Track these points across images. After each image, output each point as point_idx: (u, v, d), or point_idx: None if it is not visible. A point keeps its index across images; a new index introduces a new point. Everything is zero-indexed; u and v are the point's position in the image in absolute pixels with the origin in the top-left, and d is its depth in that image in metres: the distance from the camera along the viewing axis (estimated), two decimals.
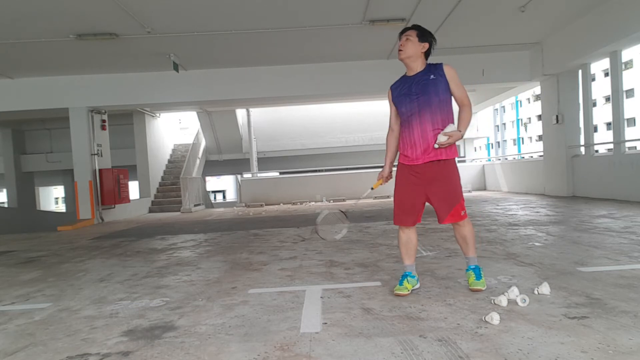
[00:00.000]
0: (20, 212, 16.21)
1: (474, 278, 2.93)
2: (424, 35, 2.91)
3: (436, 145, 2.78)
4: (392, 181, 3.12)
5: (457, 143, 2.87)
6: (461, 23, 8.31)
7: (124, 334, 2.51)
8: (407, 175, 2.93)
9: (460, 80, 2.89)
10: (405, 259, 3.03)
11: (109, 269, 4.54)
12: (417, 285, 3.05)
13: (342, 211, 3.36)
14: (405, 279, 2.96)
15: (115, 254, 5.54)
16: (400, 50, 2.92)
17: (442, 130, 2.78)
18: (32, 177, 18.59)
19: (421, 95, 2.83)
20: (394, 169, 3.10)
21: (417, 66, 2.91)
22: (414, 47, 2.88)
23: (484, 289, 2.90)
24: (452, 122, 2.84)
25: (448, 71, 2.85)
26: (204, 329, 2.52)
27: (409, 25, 3.04)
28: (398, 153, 3.05)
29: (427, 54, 2.94)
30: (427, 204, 2.96)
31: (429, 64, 2.94)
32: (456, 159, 2.95)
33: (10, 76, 10.29)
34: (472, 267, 2.98)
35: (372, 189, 3.19)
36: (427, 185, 2.88)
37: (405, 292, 2.92)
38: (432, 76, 2.84)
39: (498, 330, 2.24)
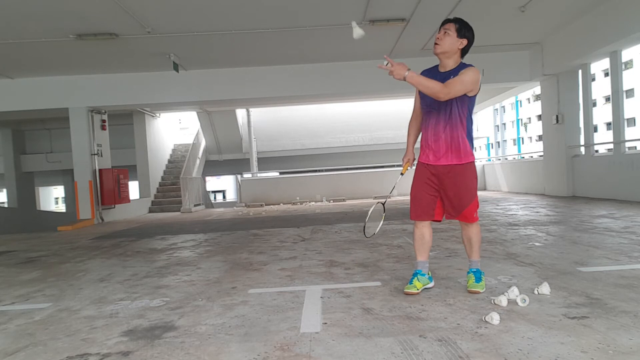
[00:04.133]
0: (20, 212, 16.21)
1: (474, 280, 2.91)
2: (464, 29, 2.73)
3: (385, 63, 2.60)
4: (410, 177, 3.04)
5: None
6: None
7: (124, 334, 2.51)
8: (423, 172, 2.91)
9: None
10: (417, 254, 2.98)
11: (109, 269, 4.54)
12: (431, 284, 3.00)
13: (382, 203, 3.13)
14: (416, 277, 2.92)
15: (115, 254, 5.54)
16: (436, 44, 2.75)
17: (450, 135, 2.76)
18: (32, 177, 18.58)
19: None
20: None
21: (450, 63, 2.77)
22: (451, 42, 2.71)
23: (482, 291, 2.87)
24: (469, 127, 2.79)
25: (464, 71, 2.68)
26: (204, 329, 2.52)
27: (455, 17, 2.85)
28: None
29: (464, 51, 2.78)
30: None
31: (462, 62, 2.79)
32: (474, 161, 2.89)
33: (10, 76, 10.28)
34: (473, 270, 2.95)
35: (401, 174, 3.07)
36: (440, 184, 2.85)
37: (415, 291, 2.87)
38: (452, 77, 2.70)
39: (498, 330, 2.24)
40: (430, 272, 3.04)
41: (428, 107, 2.84)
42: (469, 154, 2.82)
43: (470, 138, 2.84)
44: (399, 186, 3.51)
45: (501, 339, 2.13)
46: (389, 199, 3.16)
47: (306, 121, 18.47)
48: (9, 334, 2.64)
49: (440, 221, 3.00)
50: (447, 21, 2.79)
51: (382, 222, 3.10)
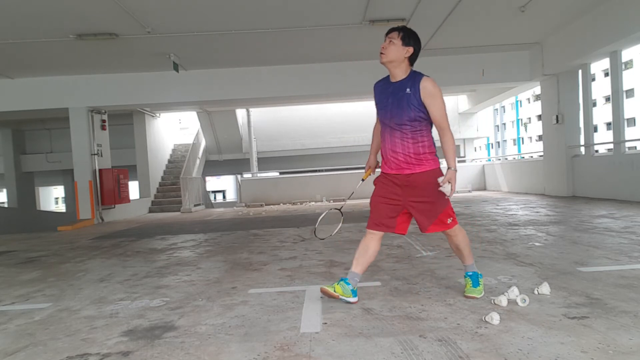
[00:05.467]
0: (20, 212, 16.21)
1: (471, 285, 2.84)
2: (409, 38, 2.67)
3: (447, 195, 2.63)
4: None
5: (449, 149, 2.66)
6: (461, 23, 8.31)
7: (124, 334, 2.51)
8: (384, 181, 2.83)
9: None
10: (353, 264, 2.81)
11: (109, 269, 4.54)
12: (353, 300, 2.77)
13: (338, 209, 3.28)
14: (339, 283, 2.77)
15: (115, 254, 5.54)
16: (381, 53, 2.70)
17: (413, 152, 2.67)
18: (32, 177, 18.60)
19: (395, 110, 2.66)
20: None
21: (399, 73, 2.70)
22: (396, 51, 2.66)
23: (479, 297, 2.80)
24: (427, 141, 2.68)
25: (425, 86, 2.60)
26: (204, 329, 2.52)
27: (400, 25, 2.82)
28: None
29: (412, 59, 2.71)
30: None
31: (413, 71, 2.72)
32: (440, 167, 2.75)
33: (10, 76, 10.29)
34: (469, 273, 2.87)
35: (362, 180, 3.23)
36: (404, 195, 2.72)
37: (330, 291, 2.74)
38: (408, 90, 2.63)
39: (498, 330, 2.24)
40: (356, 288, 2.82)
41: (383, 122, 2.76)
42: (431, 162, 2.71)
43: (433, 144, 2.74)
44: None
45: (501, 339, 2.13)
46: (346, 203, 3.37)
47: (306, 121, 18.47)
48: (9, 334, 2.64)
49: (403, 234, 2.88)
50: (392, 30, 2.73)
51: (340, 225, 3.27)
